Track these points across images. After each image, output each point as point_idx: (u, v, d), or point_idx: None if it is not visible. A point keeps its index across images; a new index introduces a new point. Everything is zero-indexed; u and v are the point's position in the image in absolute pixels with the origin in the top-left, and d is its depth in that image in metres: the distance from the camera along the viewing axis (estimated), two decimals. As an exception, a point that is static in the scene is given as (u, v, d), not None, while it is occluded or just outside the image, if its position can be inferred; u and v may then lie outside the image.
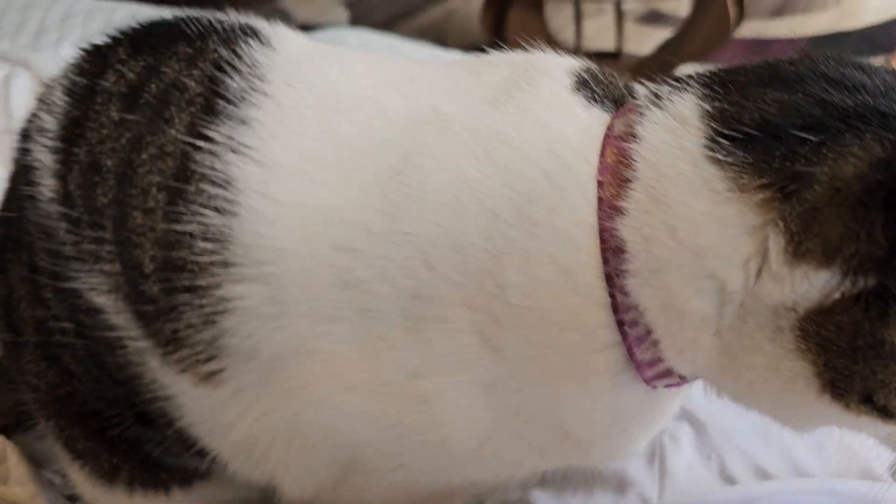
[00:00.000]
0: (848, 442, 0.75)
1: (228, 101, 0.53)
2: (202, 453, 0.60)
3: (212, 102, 0.53)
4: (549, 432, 0.53)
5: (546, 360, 0.49)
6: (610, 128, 0.50)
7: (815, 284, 0.43)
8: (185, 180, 0.52)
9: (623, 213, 0.47)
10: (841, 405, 0.46)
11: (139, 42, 0.59)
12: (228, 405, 0.54)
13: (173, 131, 0.53)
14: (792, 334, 0.45)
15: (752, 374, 0.47)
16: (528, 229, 0.48)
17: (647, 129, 0.48)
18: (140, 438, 0.61)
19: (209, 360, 0.52)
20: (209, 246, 0.51)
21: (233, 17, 0.60)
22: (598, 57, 1.89)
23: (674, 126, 0.47)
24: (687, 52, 1.77)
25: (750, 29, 2.42)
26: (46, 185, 0.57)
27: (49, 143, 0.57)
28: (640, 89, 0.51)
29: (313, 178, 0.51)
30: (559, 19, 2.35)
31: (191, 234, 0.51)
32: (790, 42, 2.33)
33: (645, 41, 2.35)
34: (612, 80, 0.55)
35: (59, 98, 0.58)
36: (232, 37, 0.57)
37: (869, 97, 0.44)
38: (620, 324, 0.48)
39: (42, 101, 0.59)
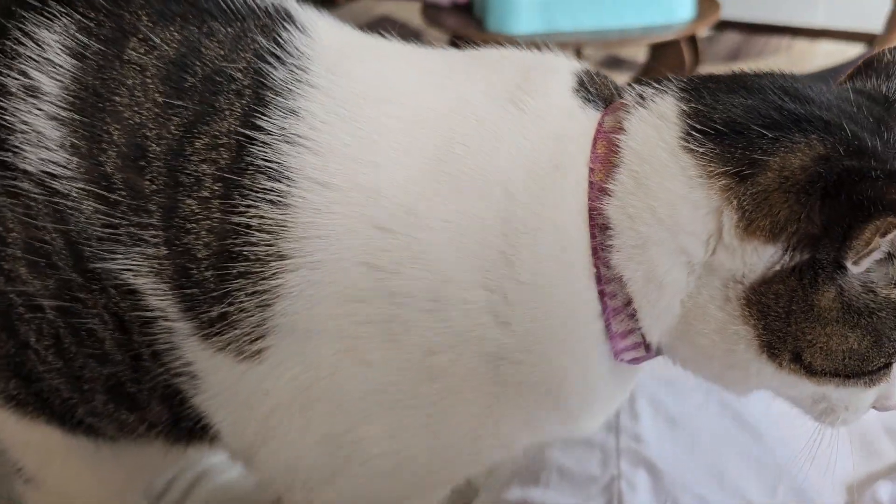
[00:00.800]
0: (799, 483, 0.78)
1: (277, 93, 0.54)
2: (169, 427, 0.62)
3: (261, 94, 0.54)
4: (543, 401, 0.57)
5: (545, 332, 0.54)
6: (601, 123, 0.56)
7: (762, 258, 0.50)
8: (240, 172, 0.52)
9: (610, 195, 0.53)
10: (775, 364, 0.53)
11: (163, 8, 0.56)
12: (266, 377, 0.56)
13: (226, 122, 0.53)
14: (738, 303, 0.52)
15: (702, 339, 0.54)
16: (536, 211, 0.53)
17: (633, 124, 0.54)
18: (97, 411, 0.62)
19: (257, 339, 0.55)
20: (265, 237, 0.52)
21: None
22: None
23: (656, 122, 0.54)
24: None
25: (705, 73, 2.50)
26: (48, 160, 0.53)
27: (51, 109, 0.53)
28: (628, 90, 0.58)
29: (363, 161, 0.54)
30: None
31: (247, 226, 0.52)
32: (744, 86, 2.40)
33: (605, 85, 2.41)
34: (604, 82, 0.60)
35: (62, 59, 0.53)
36: (269, 23, 0.57)
37: (816, 108, 0.52)
38: (602, 294, 0.54)
39: (28, 55, 0.53)
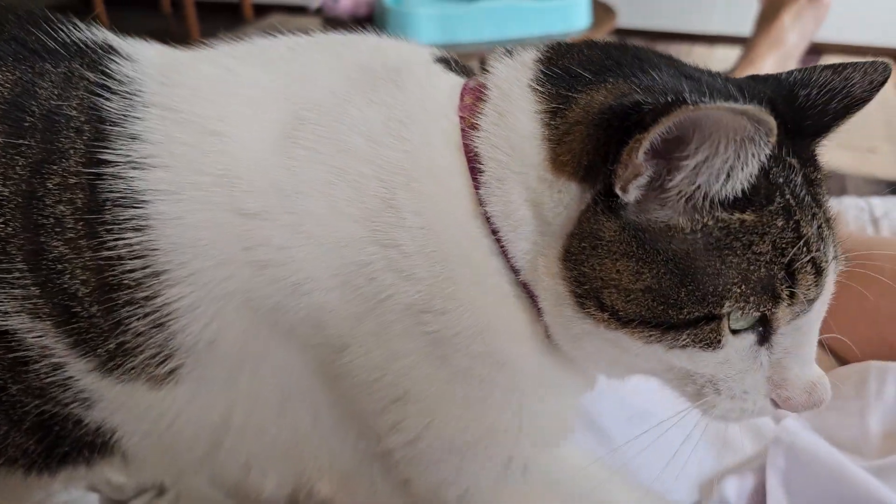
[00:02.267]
0: (648, 484, 0.77)
1: (114, 123, 0.55)
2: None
3: (100, 128, 0.54)
4: (474, 349, 0.55)
5: (451, 274, 0.54)
6: (466, 84, 0.59)
7: (570, 195, 0.52)
8: (99, 210, 0.53)
9: (478, 129, 0.55)
10: (586, 315, 0.53)
11: None
12: (185, 398, 0.57)
13: (73, 161, 0.53)
14: (557, 259, 0.53)
15: (545, 303, 0.55)
16: (407, 151, 0.54)
17: (498, 68, 0.58)
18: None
19: (164, 361, 0.55)
20: (138, 263, 0.53)
21: (86, 32, 0.60)
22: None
23: (517, 66, 0.58)
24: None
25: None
26: None
27: None
28: (496, 55, 0.60)
29: (212, 153, 0.54)
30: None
31: (119, 257, 0.53)
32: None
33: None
34: (465, 65, 0.64)
35: None
36: (95, 58, 0.58)
37: (655, 66, 0.55)
38: (494, 231, 0.54)
39: None
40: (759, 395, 0.56)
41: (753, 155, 0.48)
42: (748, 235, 0.51)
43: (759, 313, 0.52)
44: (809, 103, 0.56)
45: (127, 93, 0.56)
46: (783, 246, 0.51)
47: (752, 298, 0.51)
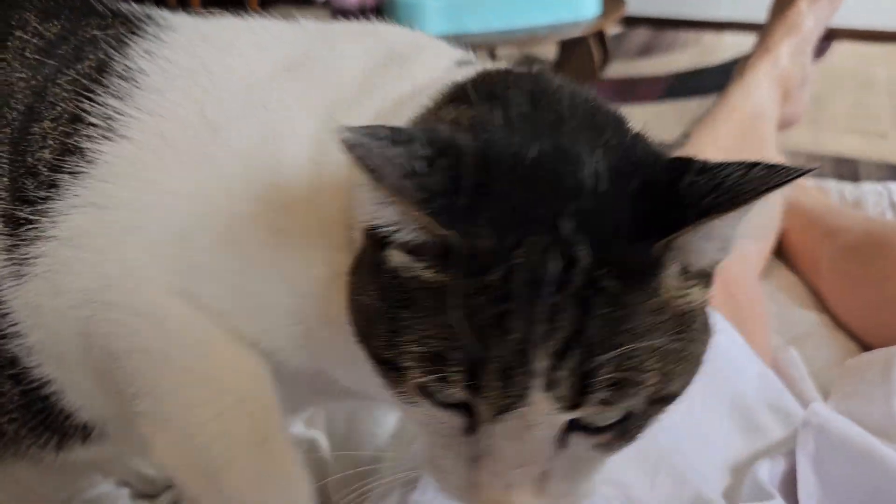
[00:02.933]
0: (681, 470, 0.77)
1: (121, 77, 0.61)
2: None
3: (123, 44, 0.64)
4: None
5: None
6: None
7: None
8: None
9: None
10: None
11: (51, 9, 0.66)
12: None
13: (86, 64, 0.62)
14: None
15: None
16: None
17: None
18: None
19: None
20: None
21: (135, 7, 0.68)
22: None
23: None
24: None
25: (618, 69, 2.53)
26: None
27: None
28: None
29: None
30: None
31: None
32: (655, 80, 2.45)
33: (518, 84, 2.43)
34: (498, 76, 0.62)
35: None
36: (136, 21, 0.66)
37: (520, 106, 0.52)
38: None
39: None
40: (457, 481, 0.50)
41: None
42: (431, 296, 0.45)
43: (455, 393, 0.45)
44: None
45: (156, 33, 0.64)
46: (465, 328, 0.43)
47: (431, 369, 0.44)
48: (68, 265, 0.57)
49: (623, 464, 0.77)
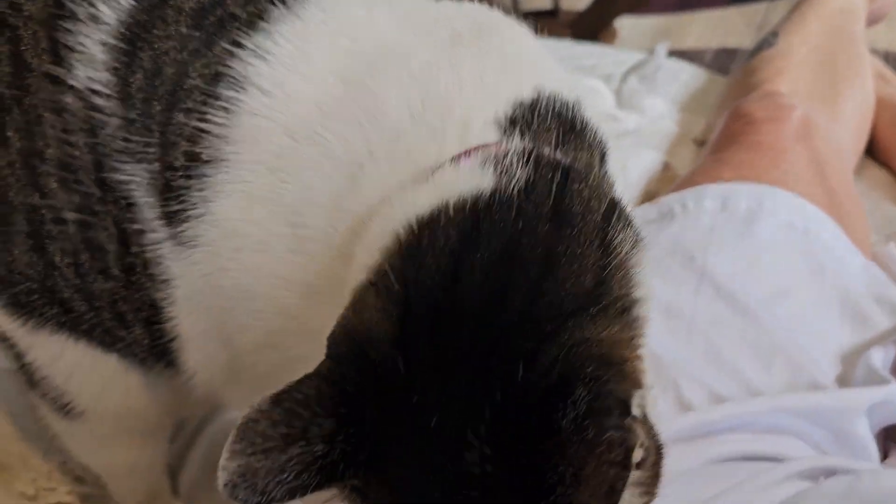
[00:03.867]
0: (795, 358, 0.80)
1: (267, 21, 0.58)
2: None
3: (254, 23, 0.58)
4: None
5: None
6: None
7: None
8: (220, 82, 0.57)
9: None
10: None
11: None
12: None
13: (218, 48, 0.58)
14: None
15: None
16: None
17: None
18: (111, 332, 0.66)
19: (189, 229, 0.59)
20: (215, 141, 0.57)
21: None
22: (536, 16, 1.90)
23: None
24: (621, 6, 1.80)
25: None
26: (94, 78, 0.57)
27: (105, 37, 0.57)
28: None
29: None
30: (495, -20, 2.35)
31: (212, 133, 0.56)
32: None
33: (581, -3, 2.38)
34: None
35: None
36: None
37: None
38: None
39: None
40: None
41: None
42: None
43: None
44: None
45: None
46: None
47: None
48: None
49: (740, 354, 0.80)
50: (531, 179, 0.49)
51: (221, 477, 0.42)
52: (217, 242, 0.58)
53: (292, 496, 0.43)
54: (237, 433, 0.42)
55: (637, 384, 0.45)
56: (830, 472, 0.65)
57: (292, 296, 0.57)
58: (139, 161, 0.57)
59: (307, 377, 0.45)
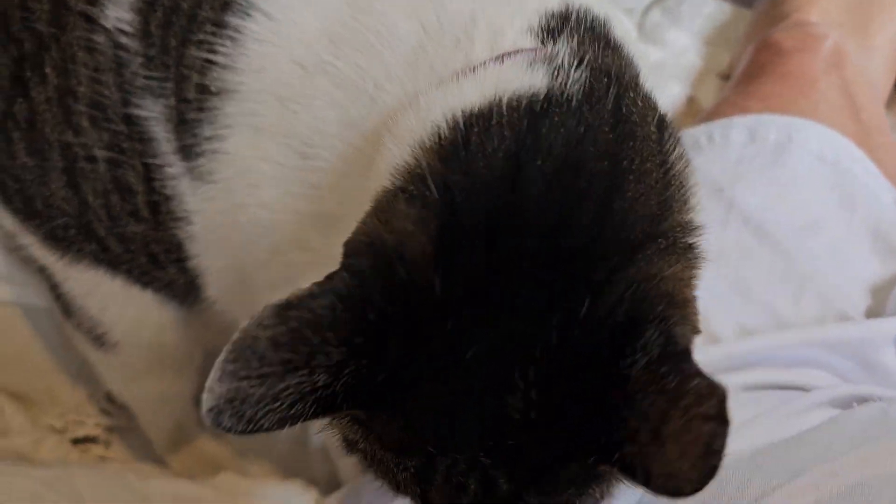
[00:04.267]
0: (825, 291, 0.79)
1: None
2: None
3: None
4: None
5: None
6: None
7: None
8: (228, 10, 0.55)
9: None
10: None
11: None
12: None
13: None
14: None
15: None
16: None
17: None
18: (144, 269, 0.67)
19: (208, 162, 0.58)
20: (226, 73, 0.55)
21: None
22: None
23: None
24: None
25: None
26: (121, 18, 0.57)
27: None
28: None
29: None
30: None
31: (219, 64, 0.55)
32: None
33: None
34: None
35: None
36: None
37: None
38: None
39: None
40: None
41: None
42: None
43: None
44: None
45: None
46: None
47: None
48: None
49: (768, 286, 0.79)
50: (588, 83, 0.44)
51: (207, 400, 0.36)
52: (232, 179, 0.58)
53: (281, 426, 0.38)
54: (232, 350, 0.36)
55: (696, 329, 0.41)
56: (861, 400, 0.65)
57: (309, 228, 0.57)
58: (158, 97, 0.57)
59: (321, 290, 0.39)
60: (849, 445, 0.48)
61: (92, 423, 0.92)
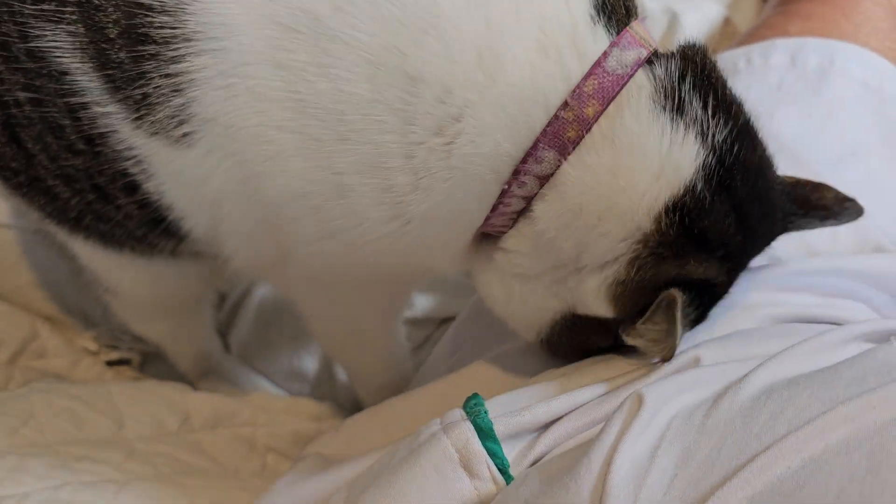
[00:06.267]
0: (862, 223, 0.77)
1: None
2: (167, 231, 0.66)
3: None
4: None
5: (438, 199, 0.56)
6: (605, 54, 0.54)
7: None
8: None
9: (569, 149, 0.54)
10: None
11: None
12: (201, 162, 0.58)
13: None
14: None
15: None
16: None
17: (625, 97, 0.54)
18: (98, 212, 0.66)
19: (181, 124, 0.56)
20: (167, 19, 0.52)
21: None
22: None
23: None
24: None
25: None
26: None
27: None
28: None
29: None
30: None
31: (149, 7, 0.53)
32: None
33: None
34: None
35: None
36: None
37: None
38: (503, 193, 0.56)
39: None
40: None
41: None
42: None
43: None
44: None
45: None
46: None
47: None
48: None
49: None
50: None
51: None
52: (241, 151, 0.56)
53: None
54: None
55: None
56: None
57: (358, 187, 0.56)
58: (57, 22, 0.54)
59: None
60: (887, 378, 0.48)
61: (125, 347, 0.94)
